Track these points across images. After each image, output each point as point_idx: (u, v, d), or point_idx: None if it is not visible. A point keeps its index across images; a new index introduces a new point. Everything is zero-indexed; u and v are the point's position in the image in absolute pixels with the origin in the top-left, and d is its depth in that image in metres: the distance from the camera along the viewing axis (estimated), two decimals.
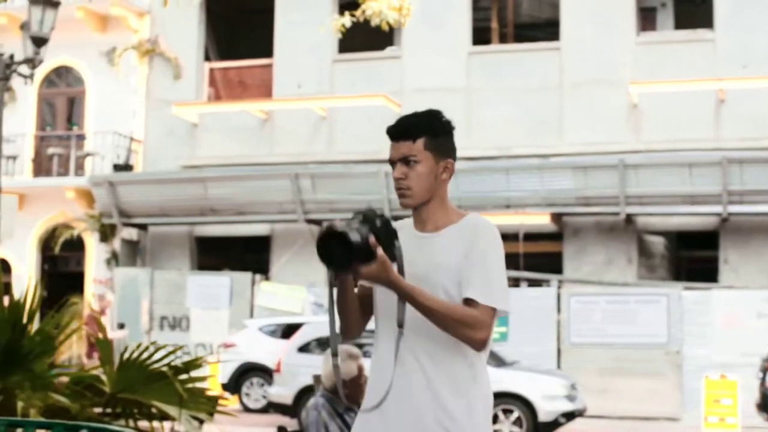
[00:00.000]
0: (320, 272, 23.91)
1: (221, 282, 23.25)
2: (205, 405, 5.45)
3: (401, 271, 3.52)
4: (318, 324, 17.28)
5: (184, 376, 5.49)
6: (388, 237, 3.47)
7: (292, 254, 24.26)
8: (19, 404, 4.67)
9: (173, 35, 25.87)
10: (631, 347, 20.09)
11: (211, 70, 26.60)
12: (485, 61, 24.16)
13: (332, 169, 23.45)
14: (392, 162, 3.70)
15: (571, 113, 23.19)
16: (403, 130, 3.68)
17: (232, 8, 27.00)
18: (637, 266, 22.79)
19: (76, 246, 25.86)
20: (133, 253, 25.82)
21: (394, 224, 3.66)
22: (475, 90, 23.58)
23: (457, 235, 3.65)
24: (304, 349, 16.60)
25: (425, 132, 3.66)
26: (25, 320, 5.18)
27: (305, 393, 15.45)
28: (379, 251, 3.38)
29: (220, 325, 22.92)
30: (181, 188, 24.32)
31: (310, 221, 23.58)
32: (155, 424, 5.45)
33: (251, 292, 22.95)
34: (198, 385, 5.78)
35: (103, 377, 5.45)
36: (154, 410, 5.51)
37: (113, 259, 25.52)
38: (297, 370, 16.08)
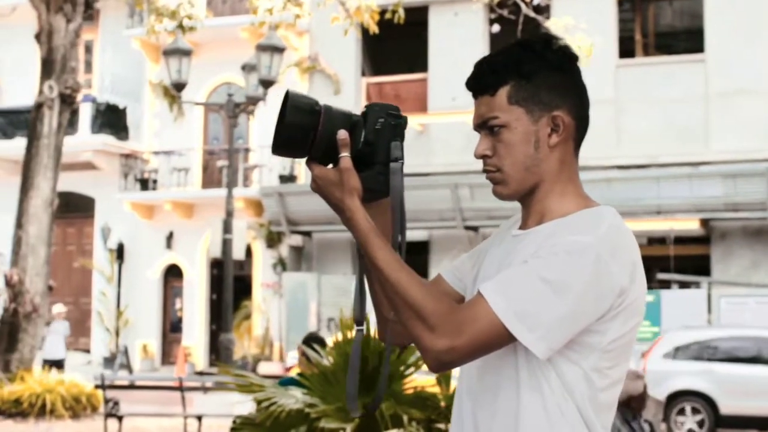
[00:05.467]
0: None
1: None
2: None
3: (399, 223, 2.39)
4: None
5: None
6: (386, 149, 2.34)
7: (451, 258, 25.64)
8: (404, 417, 6.14)
9: (332, 52, 27.34)
10: None
11: (368, 85, 28.09)
12: (632, 73, 25.19)
13: None
14: (477, 131, 2.35)
15: (716, 122, 24.12)
16: (477, 78, 2.32)
17: (383, 23, 28.31)
18: None
19: None
20: (299, 258, 27.46)
21: (501, 225, 2.45)
22: (624, 101, 24.57)
23: (543, 235, 2.22)
24: None
25: (508, 75, 2.26)
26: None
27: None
28: (345, 157, 2.24)
29: None
30: None
31: (468, 228, 24.97)
32: None
33: None
34: None
35: (437, 392, 6.94)
36: None
37: (279, 264, 27.19)
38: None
